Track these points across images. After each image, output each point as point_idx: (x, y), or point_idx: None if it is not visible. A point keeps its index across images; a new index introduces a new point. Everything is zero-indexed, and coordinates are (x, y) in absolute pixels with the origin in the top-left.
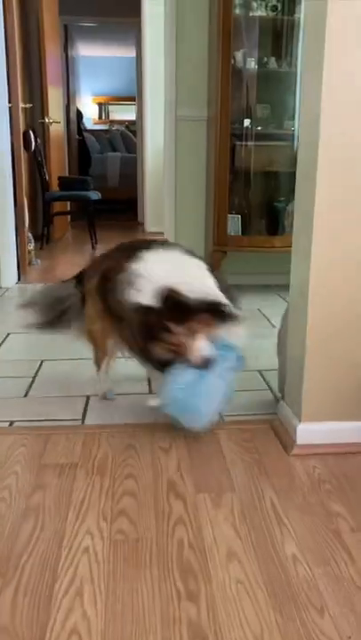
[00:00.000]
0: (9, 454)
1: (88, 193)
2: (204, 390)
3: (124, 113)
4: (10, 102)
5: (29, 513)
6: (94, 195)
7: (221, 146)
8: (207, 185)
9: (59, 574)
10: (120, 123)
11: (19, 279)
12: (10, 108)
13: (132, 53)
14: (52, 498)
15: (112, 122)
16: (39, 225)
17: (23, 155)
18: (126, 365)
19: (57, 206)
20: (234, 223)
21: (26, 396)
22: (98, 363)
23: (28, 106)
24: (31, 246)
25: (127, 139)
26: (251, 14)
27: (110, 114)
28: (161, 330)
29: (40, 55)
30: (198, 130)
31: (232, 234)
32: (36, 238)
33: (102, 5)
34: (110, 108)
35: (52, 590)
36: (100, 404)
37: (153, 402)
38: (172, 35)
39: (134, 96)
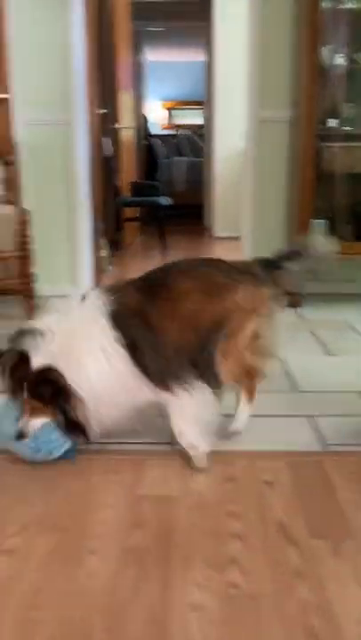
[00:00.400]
0: (100, 481)
1: (159, 198)
2: None
3: (189, 117)
4: (87, 109)
5: (129, 556)
6: (165, 200)
7: (306, 147)
8: (289, 188)
9: (170, 635)
10: (186, 127)
11: (95, 285)
12: (87, 114)
13: (198, 57)
14: (151, 538)
15: (179, 126)
16: (110, 231)
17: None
18: None
19: (127, 212)
20: (318, 228)
21: None
22: None
23: (102, 112)
24: (104, 253)
25: (194, 143)
26: (340, 7)
27: (175, 118)
28: None
29: (112, 61)
30: (281, 131)
31: None
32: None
33: (171, 10)
34: (176, 112)
35: None
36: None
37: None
38: (254, 34)
39: (200, 100)
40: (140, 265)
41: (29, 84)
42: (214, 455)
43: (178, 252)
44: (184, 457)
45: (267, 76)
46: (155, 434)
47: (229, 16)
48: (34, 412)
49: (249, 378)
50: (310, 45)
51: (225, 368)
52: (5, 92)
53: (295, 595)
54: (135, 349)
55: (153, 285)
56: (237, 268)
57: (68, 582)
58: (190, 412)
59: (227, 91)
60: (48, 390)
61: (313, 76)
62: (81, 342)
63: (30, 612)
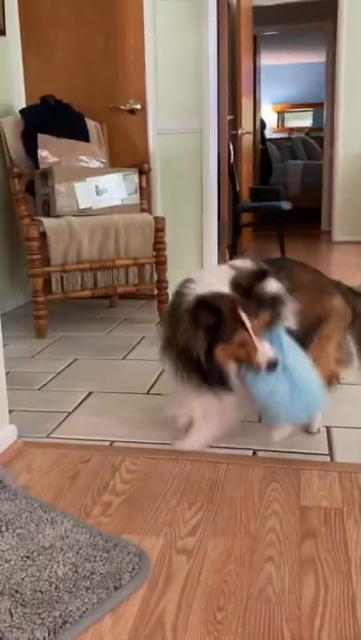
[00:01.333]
0: (263, 489)
1: (280, 203)
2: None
3: (300, 120)
4: (218, 116)
5: (306, 566)
6: (286, 205)
7: None
8: None
9: None
10: (298, 130)
11: None
12: (218, 121)
13: (313, 59)
14: (324, 549)
15: (291, 129)
16: (229, 236)
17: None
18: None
19: (244, 217)
20: None
21: (260, 421)
22: None
23: (230, 118)
24: (226, 259)
25: (308, 146)
26: None
27: (286, 121)
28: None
29: (235, 67)
30: None
31: None
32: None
33: (291, 12)
34: (286, 115)
35: None
36: (347, 437)
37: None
38: None
39: (311, 102)
40: None
41: (164, 94)
42: None
43: (297, 256)
44: (343, 468)
45: None
46: (309, 443)
47: (357, 14)
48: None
49: (329, 383)
50: None
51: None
52: (142, 102)
53: None
54: None
55: (278, 271)
56: (331, 280)
57: (250, 587)
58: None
59: (350, 91)
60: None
61: None
62: None
63: (215, 614)
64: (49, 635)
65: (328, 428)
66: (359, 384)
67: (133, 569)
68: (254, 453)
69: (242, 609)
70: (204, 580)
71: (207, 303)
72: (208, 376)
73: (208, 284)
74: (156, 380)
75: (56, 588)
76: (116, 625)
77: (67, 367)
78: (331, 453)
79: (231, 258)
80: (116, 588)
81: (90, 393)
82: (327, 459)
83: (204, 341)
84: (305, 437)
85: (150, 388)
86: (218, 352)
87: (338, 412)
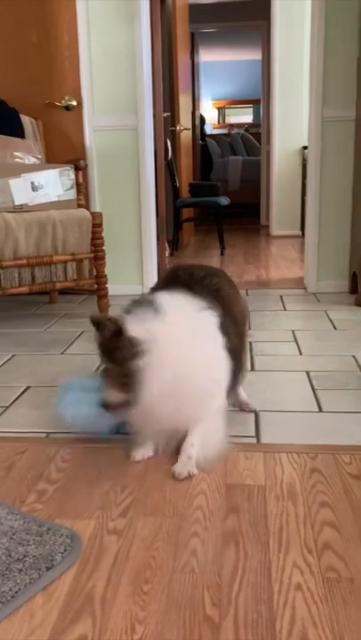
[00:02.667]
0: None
1: (218, 199)
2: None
3: (240, 116)
4: (154, 113)
5: (228, 539)
6: (224, 200)
7: None
8: (355, 187)
9: (276, 611)
10: (238, 126)
11: None
12: (154, 118)
13: (252, 56)
14: (246, 523)
15: (231, 125)
16: (170, 231)
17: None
18: (290, 381)
19: (185, 212)
20: None
21: None
22: None
23: (166, 115)
24: (167, 253)
25: (248, 142)
26: None
27: (226, 117)
28: None
29: (172, 64)
30: (346, 130)
31: None
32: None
33: (227, 11)
34: (226, 111)
35: (273, 630)
36: (271, 419)
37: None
38: (317, 32)
39: (252, 99)
40: (201, 263)
41: (99, 90)
42: (297, 448)
43: (236, 250)
44: (268, 449)
45: (330, 74)
46: (237, 427)
47: (289, 14)
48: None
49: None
50: None
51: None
52: (78, 99)
53: None
54: (231, 353)
55: (212, 291)
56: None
57: (175, 560)
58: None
59: (285, 89)
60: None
61: None
62: (191, 331)
63: (142, 586)
64: None
65: (256, 413)
66: (285, 370)
67: (65, 550)
68: None
69: (167, 580)
70: (133, 557)
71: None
72: None
73: None
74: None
75: None
76: (47, 602)
77: (4, 363)
78: (257, 435)
79: (173, 253)
80: (47, 569)
81: (27, 388)
82: (254, 440)
83: None
84: (234, 422)
85: None
86: None
87: (265, 397)
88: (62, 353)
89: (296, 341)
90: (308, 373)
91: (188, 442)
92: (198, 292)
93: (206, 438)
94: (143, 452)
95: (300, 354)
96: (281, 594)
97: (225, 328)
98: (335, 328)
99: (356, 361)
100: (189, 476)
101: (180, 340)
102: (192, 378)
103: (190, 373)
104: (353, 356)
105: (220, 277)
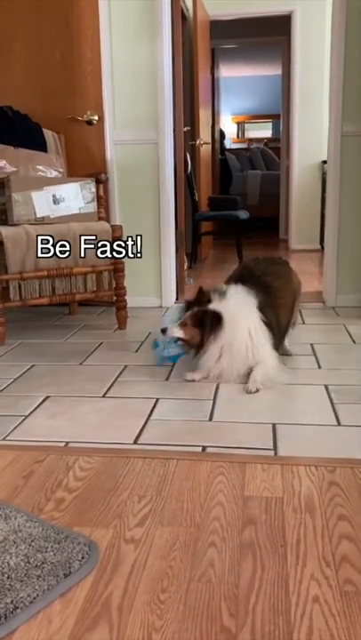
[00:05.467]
0: (209, 482)
1: (237, 212)
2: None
3: (259, 130)
4: (174, 127)
5: (245, 550)
6: (243, 214)
7: None
8: None
9: (293, 624)
10: (257, 141)
11: (176, 299)
12: (174, 132)
13: (271, 71)
14: (264, 535)
15: (251, 140)
16: (189, 244)
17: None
18: (309, 394)
19: (204, 226)
20: None
21: (210, 420)
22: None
23: (186, 129)
24: (185, 266)
25: (267, 156)
26: None
27: (246, 132)
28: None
29: (193, 79)
30: None
31: None
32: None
33: (247, 27)
34: (246, 126)
35: None
36: (289, 432)
37: (190, 376)
38: (337, 48)
39: (270, 114)
40: (218, 277)
41: (121, 105)
42: (315, 461)
43: None
44: (285, 461)
45: (349, 89)
46: (255, 439)
47: (308, 30)
48: (183, 327)
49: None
50: None
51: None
52: (100, 114)
53: None
54: (269, 326)
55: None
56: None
57: (192, 570)
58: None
59: (305, 104)
60: (207, 322)
61: None
62: (240, 309)
63: (158, 595)
64: (0, 620)
65: (274, 425)
66: (303, 384)
67: (83, 557)
68: (203, 450)
69: (184, 590)
70: (150, 566)
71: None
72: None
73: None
74: (112, 384)
75: (8, 577)
76: (65, 609)
77: (24, 373)
78: (275, 448)
79: (191, 266)
80: (65, 576)
81: (46, 397)
82: (271, 453)
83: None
84: (252, 434)
85: (107, 392)
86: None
87: (283, 410)
88: (81, 364)
89: (315, 355)
90: (326, 387)
91: (252, 377)
92: (253, 286)
93: (265, 373)
94: (197, 375)
95: (319, 367)
96: (298, 606)
97: (263, 309)
98: (354, 342)
99: None
100: (257, 391)
101: (233, 315)
102: (238, 338)
103: (236, 334)
104: None
105: (271, 275)
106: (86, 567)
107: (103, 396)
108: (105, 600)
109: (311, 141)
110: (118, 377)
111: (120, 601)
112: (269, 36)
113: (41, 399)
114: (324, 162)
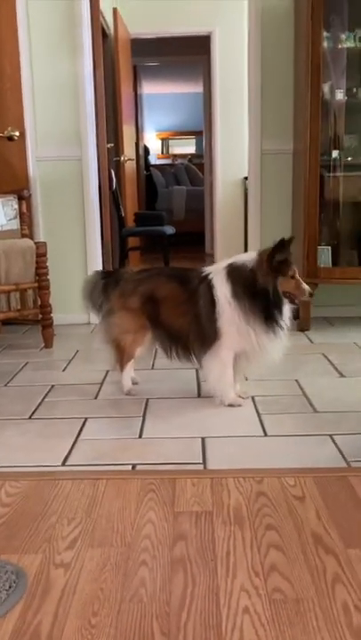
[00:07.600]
0: (139, 500)
1: (163, 228)
2: None
3: (183, 147)
4: (97, 143)
5: (176, 566)
6: (169, 229)
7: (311, 178)
8: (294, 217)
9: (224, 637)
10: (182, 157)
11: None
12: (98, 148)
13: (193, 89)
14: (194, 550)
15: (175, 156)
16: (116, 260)
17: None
18: (234, 409)
19: (131, 241)
20: (324, 255)
21: (140, 437)
22: (122, 365)
23: (110, 146)
24: None
25: (191, 172)
26: (339, 46)
27: (170, 148)
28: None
29: (115, 96)
30: (284, 162)
31: (322, 265)
32: None
33: (169, 45)
34: (170, 142)
35: None
36: (217, 445)
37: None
38: (257, 69)
39: (194, 130)
40: None
41: (43, 121)
42: (243, 472)
43: None
44: (214, 475)
45: (268, 109)
46: (184, 454)
47: (228, 50)
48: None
49: None
50: (313, 83)
51: None
52: (21, 130)
53: (338, 597)
54: None
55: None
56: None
57: (123, 590)
58: None
59: (226, 122)
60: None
61: (317, 111)
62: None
63: (89, 619)
64: None
65: (203, 439)
66: None
67: (10, 587)
68: (133, 468)
69: (115, 612)
70: (81, 590)
71: (282, 244)
72: (273, 307)
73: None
74: (39, 405)
75: None
76: None
77: None
78: (204, 462)
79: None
80: None
81: None
82: (201, 467)
83: (274, 279)
84: (181, 449)
85: (33, 413)
86: (280, 284)
87: (212, 423)
88: (6, 385)
89: None
90: (253, 398)
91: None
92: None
93: None
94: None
95: (246, 379)
96: (229, 619)
97: None
98: None
99: (300, 385)
100: None
101: None
102: None
103: None
104: (296, 381)
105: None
106: (14, 597)
107: (29, 418)
108: (34, 630)
109: (233, 158)
110: (45, 397)
111: (50, 628)
112: (190, 55)
113: None
114: (246, 178)
